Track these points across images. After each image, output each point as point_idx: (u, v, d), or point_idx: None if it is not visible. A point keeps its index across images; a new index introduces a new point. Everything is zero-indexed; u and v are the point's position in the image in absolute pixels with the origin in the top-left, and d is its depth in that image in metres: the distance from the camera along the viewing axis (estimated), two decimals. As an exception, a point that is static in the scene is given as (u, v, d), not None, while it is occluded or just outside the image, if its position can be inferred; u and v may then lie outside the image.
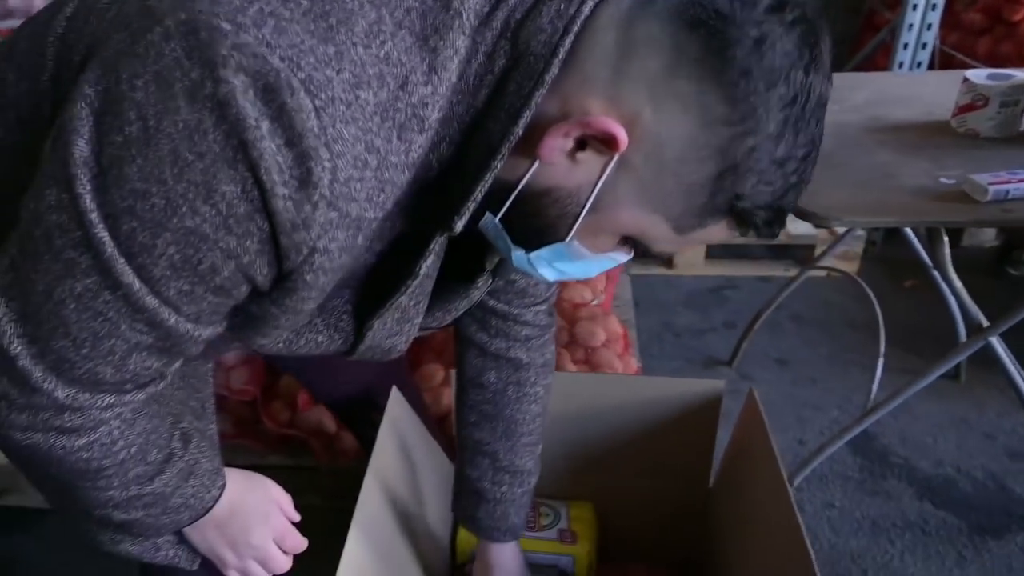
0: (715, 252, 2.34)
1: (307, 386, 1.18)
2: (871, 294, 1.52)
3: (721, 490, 1.12)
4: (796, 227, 2.25)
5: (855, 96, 1.47)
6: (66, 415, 0.55)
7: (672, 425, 1.10)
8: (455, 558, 1.12)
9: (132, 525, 0.67)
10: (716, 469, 1.13)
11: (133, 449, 0.61)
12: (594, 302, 1.75)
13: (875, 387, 1.41)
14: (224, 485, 0.71)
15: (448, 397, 1.42)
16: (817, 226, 1.13)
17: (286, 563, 0.76)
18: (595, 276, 1.82)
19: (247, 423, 1.48)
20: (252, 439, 1.48)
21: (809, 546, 0.76)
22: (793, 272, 2.15)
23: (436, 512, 1.09)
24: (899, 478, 1.55)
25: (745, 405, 1.03)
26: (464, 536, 1.11)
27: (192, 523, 0.70)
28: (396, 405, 1.03)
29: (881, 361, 1.44)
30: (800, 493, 1.51)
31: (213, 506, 0.70)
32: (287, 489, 1.31)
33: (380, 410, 0.99)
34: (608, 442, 1.13)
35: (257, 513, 0.74)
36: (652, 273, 2.34)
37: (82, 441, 0.57)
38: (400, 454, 1.01)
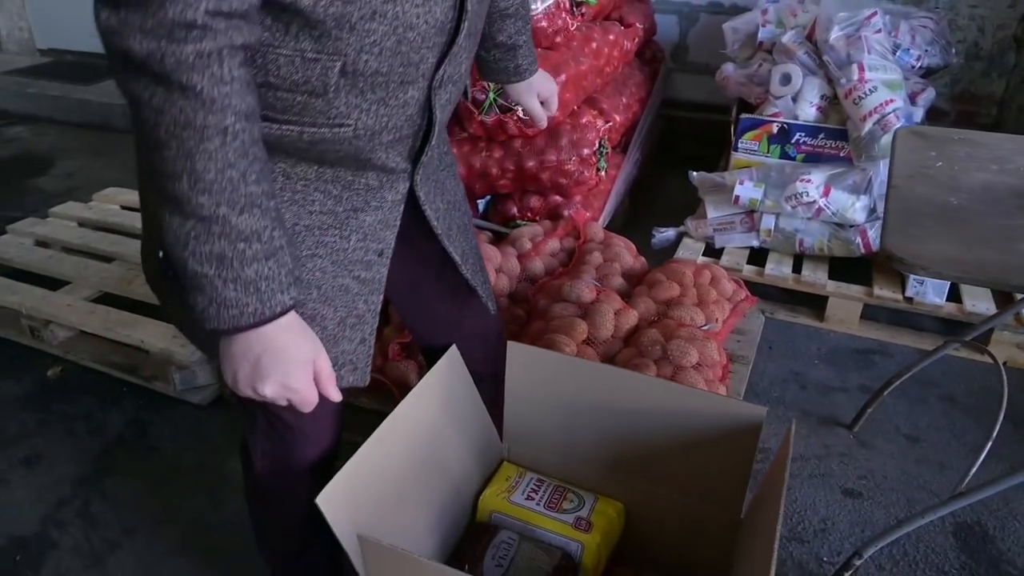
0: (873, 313, 2.17)
1: (411, 326, 1.21)
2: (1004, 375, 1.35)
3: (749, 523, 1.08)
4: (975, 303, 2.03)
5: (1019, 159, 1.33)
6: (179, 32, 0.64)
7: (710, 443, 1.08)
8: (475, 515, 1.19)
9: (201, 283, 0.71)
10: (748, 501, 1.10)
11: (234, 142, 0.68)
12: (704, 327, 1.73)
13: (973, 470, 1.26)
14: (293, 303, 0.75)
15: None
16: (899, 270, 1.06)
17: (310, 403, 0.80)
18: (713, 304, 1.79)
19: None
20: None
21: None
22: (961, 351, 1.93)
23: (463, 462, 1.16)
24: (1003, 591, 1.37)
25: (782, 443, 1.00)
26: (488, 496, 1.18)
27: (252, 323, 0.73)
28: (451, 357, 1.13)
29: (989, 444, 1.28)
30: (880, 573, 1.39)
31: (278, 314, 0.74)
32: (361, 430, 1.44)
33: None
34: (646, 446, 1.14)
35: (300, 360, 0.78)
36: (798, 322, 2.21)
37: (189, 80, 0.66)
38: (446, 395, 1.10)
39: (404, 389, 1.56)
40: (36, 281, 2.13)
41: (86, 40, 4.01)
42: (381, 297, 0.97)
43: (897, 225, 1.18)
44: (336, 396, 0.83)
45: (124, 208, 2.52)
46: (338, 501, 0.89)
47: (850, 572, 1.34)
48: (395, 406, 1.55)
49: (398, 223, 0.95)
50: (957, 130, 1.49)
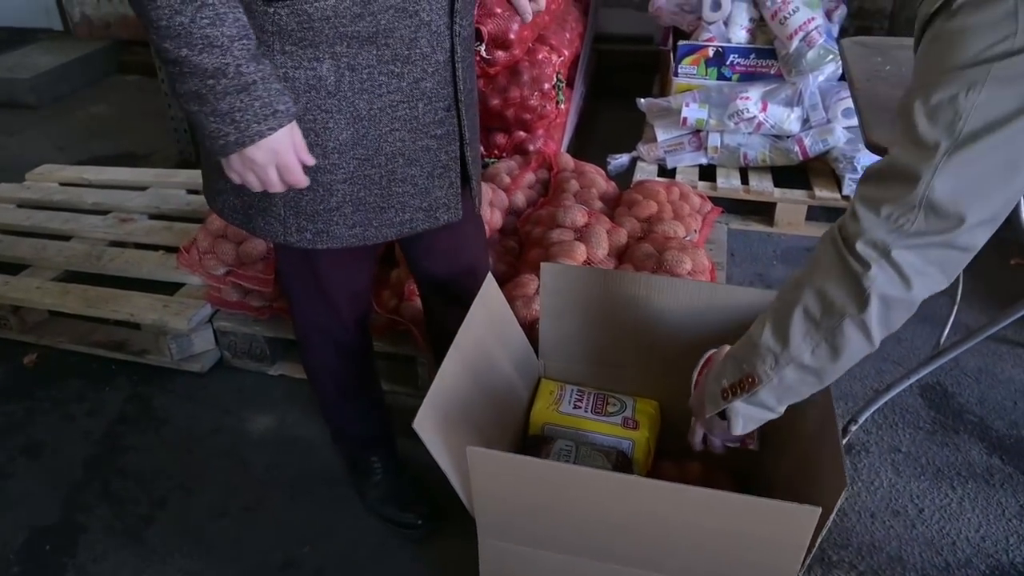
0: (816, 214, 2.32)
1: (409, 257, 1.28)
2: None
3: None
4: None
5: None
6: None
7: (735, 333, 1.16)
8: (528, 429, 1.24)
9: (194, 119, 0.84)
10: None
11: None
12: (686, 238, 1.81)
13: (945, 332, 1.41)
14: (272, 132, 0.85)
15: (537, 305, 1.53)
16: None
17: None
18: (688, 217, 1.88)
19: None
20: (365, 323, 1.66)
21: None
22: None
23: (513, 381, 1.21)
24: (971, 434, 1.54)
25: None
26: (538, 409, 1.23)
27: (235, 149, 0.85)
28: (491, 285, 1.15)
29: (954, 313, 1.43)
30: (868, 435, 1.54)
31: (256, 141, 0.85)
32: (389, 377, 1.46)
33: (463, 304, 1.12)
34: (677, 346, 1.21)
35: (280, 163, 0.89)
36: (751, 229, 2.35)
37: None
38: (491, 321, 1.13)
39: (421, 327, 1.57)
40: (-14, 269, 1.98)
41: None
42: (458, 144, 1.05)
43: (873, 121, 1.27)
44: (309, 160, 0.92)
45: (64, 185, 2.36)
46: (428, 425, 0.92)
47: (846, 438, 1.48)
48: (413, 344, 1.59)
49: (456, 77, 1.00)
50: (894, 38, 1.60)
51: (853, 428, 1.47)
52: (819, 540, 0.80)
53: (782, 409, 0.89)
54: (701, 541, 0.82)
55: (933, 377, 1.69)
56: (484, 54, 2.09)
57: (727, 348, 0.99)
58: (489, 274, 1.17)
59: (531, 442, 1.21)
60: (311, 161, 0.93)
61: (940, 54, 0.66)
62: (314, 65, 0.91)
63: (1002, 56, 0.62)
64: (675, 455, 1.27)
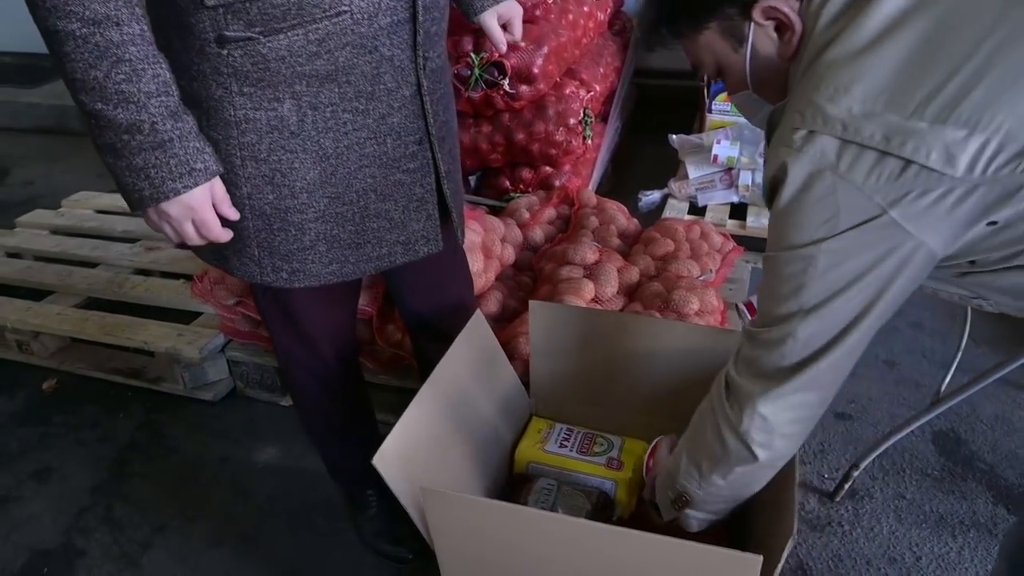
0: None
1: (394, 294, 1.35)
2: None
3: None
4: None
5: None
6: None
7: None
8: (512, 468, 1.31)
9: (110, 170, 0.88)
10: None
11: (86, 45, 0.81)
12: (700, 277, 1.86)
13: (948, 378, 1.43)
14: (188, 191, 0.90)
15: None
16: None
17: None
18: (706, 256, 1.94)
19: (364, 342, 1.75)
20: (368, 357, 1.75)
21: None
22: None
23: (496, 419, 1.27)
24: (979, 482, 1.55)
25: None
26: (523, 448, 1.29)
27: (149, 205, 0.90)
28: (478, 321, 1.23)
29: (958, 356, 1.46)
30: (873, 481, 1.56)
31: (171, 199, 0.89)
32: (394, 410, 1.55)
33: (449, 340, 1.18)
34: (665, 385, 1.26)
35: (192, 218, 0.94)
36: (777, 268, 2.38)
37: None
38: (474, 358, 1.20)
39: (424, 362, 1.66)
40: (14, 293, 2.15)
41: (24, 39, 3.92)
42: (433, 177, 1.09)
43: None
44: (232, 215, 0.98)
45: (99, 212, 2.54)
46: (391, 460, 0.99)
47: (849, 483, 1.51)
48: (417, 379, 1.67)
49: (426, 111, 1.04)
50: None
51: (855, 473, 1.50)
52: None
53: (727, 512, 1.01)
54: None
55: (947, 423, 1.70)
56: (508, 88, 2.19)
57: (672, 438, 1.13)
58: (477, 311, 1.25)
59: (515, 480, 1.28)
60: (234, 216, 0.98)
61: (783, 230, 0.78)
62: (274, 105, 0.94)
63: (828, 236, 0.74)
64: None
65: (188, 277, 2.11)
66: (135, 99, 0.84)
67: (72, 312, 2.05)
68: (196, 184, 0.91)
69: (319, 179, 1.00)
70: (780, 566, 0.83)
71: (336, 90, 0.96)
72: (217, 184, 0.96)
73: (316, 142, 0.98)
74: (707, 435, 0.92)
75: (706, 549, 0.80)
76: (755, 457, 0.87)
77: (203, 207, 0.94)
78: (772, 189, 0.78)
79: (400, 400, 1.77)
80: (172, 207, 0.92)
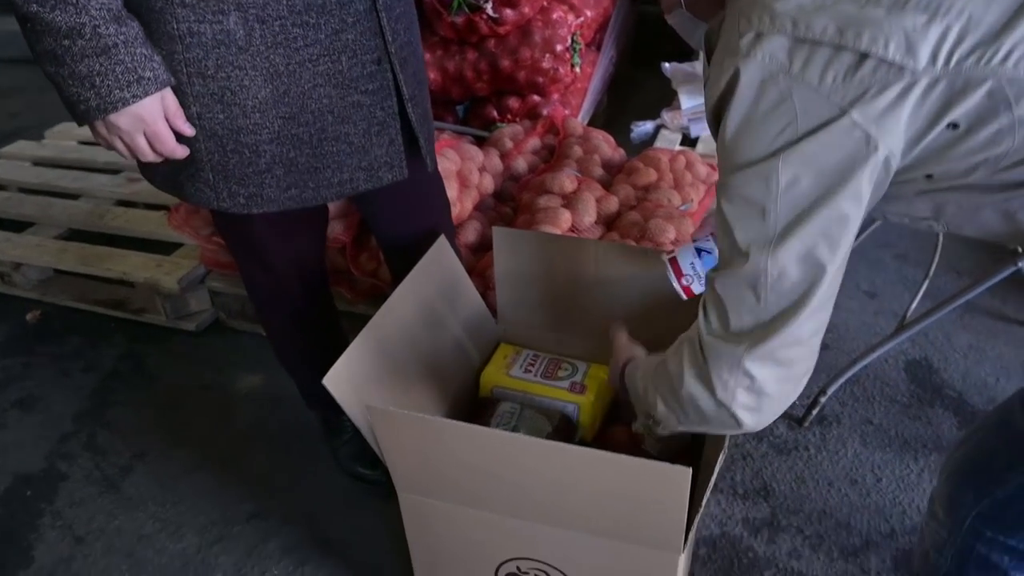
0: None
1: (367, 219, 1.35)
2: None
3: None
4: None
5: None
6: None
7: (690, 300, 1.23)
8: (478, 393, 1.34)
9: (54, 82, 0.87)
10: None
11: None
12: (681, 207, 1.87)
13: (912, 305, 1.45)
14: (137, 100, 0.89)
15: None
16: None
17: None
18: (689, 187, 1.94)
19: (340, 272, 1.78)
20: (345, 287, 1.78)
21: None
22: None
23: (462, 343, 1.30)
24: (946, 408, 1.58)
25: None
26: (488, 372, 1.32)
27: (97, 116, 0.89)
28: (442, 246, 1.25)
29: (924, 285, 1.47)
30: (842, 407, 1.59)
31: (120, 108, 0.88)
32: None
33: None
34: (630, 310, 1.28)
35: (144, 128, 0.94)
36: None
37: None
38: (437, 282, 1.22)
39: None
40: (-4, 225, 2.17)
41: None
42: (395, 100, 1.07)
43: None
44: (187, 130, 0.97)
45: (82, 143, 2.54)
46: (342, 379, 1.02)
47: (817, 409, 1.54)
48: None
49: (383, 26, 1.01)
50: None
51: (823, 399, 1.53)
52: (705, 499, 0.88)
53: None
54: (595, 500, 0.91)
55: (921, 352, 1.73)
56: (491, 12, 2.16)
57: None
58: (441, 236, 1.26)
59: (479, 404, 1.31)
60: (189, 131, 0.97)
61: (737, 149, 0.71)
62: (219, 18, 0.91)
63: (788, 144, 0.68)
64: (628, 421, 1.36)
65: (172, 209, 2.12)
66: (74, 1, 0.83)
67: (52, 243, 2.08)
68: (146, 93, 0.90)
69: (271, 98, 0.99)
70: (713, 478, 0.87)
71: (284, 2, 0.94)
72: (169, 95, 0.95)
73: (266, 58, 0.96)
74: (683, 398, 0.82)
75: (639, 463, 0.83)
76: (740, 424, 0.79)
77: (155, 118, 0.93)
78: (719, 108, 0.73)
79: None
80: (122, 119, 0.91)
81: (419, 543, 1.11)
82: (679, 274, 1.12)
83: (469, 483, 0.97)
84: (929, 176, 0.72)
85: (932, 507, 0.91)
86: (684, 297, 1.12)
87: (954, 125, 0.66)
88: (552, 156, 2.17)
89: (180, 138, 0.99)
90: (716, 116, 0.74)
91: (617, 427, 1.35)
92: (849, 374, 1.52)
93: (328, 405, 1.54)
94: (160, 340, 1.95)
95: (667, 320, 1.25)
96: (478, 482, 0.96)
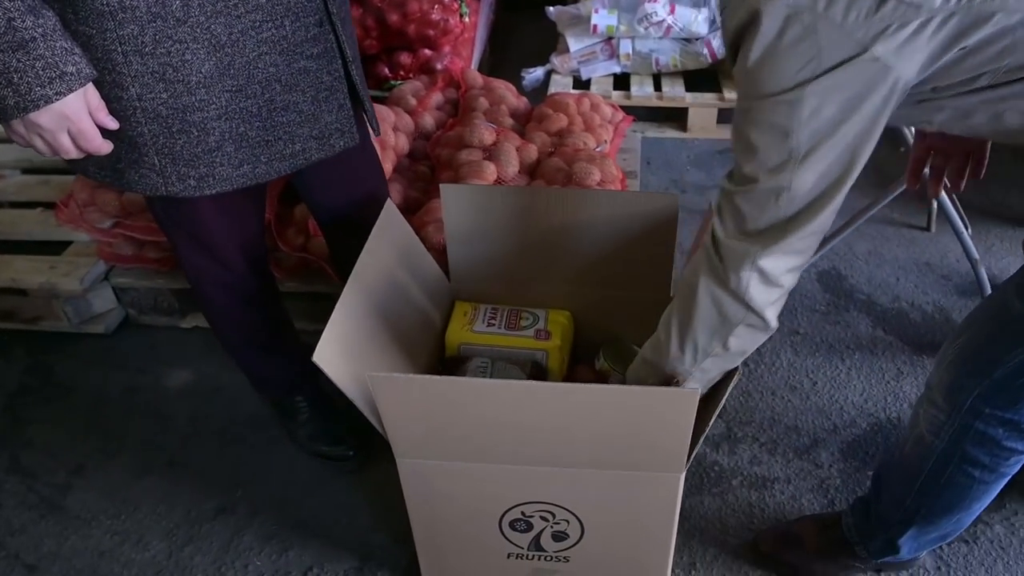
0: (726, 118, 2.48)
1: (304, 192, 1.32)
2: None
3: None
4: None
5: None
6: None
7: (636, 236, 1.29)
8: (444, 351, 1.36)
9: None
10: (676, 279, 1.34)
11: None
12: (597, 149, 1.93)
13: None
14: (60, 97, 0.84)
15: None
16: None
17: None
18: (599, 128, 2.00)
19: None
20: (272, 265, 1.72)
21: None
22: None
23: (423, 305, 1.31)
24: (860, 310, 1.77)
25: (705, 216, 1.22)
26: (452, 331, 1.34)
27: (16, 116, 0.84)
28: (391, 212, 1.24)
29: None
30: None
31: (42, 107, 0.84)
32: (307, 316, 1.55)
33: (366, 234, 1.17)
34: (584, 254, 1.33)
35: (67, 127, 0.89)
36: (666, 136, 2.50)
37: None
38: (394, 248, 1.22)
39: (332, 264, 1.65)
40: None
41: None
42: (340, 62, 1.05)
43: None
44: (111, 124, 0.94)
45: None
46: (331, 355, 1.01)
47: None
48: (327, 280, 1.67)
49: None
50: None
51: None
52: (712, 418, 0.96)
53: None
54: (600, 433, 0.96)
55: (829, 263, 1.91)
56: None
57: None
58: (388, 201, 1.25)
59: (448, 363, 1.33)
60: (112, 124, 0.92)
61: (760, 79, 0.75)
62: None
63: (812, 77, 0.72)
64: (589, 360, 1.42)
65: (47, 204, 1.95)
66: None
67: (-80, 256, 1.87)
68: (70, 90, 0.85)
69: (216, 71, 0.95)
70: (724, 399, 0.94)
71: None
72: (91, 90, 0.90)
73: (207, 29, 0.92)
74: (701, 308, 0.89)
75: (648, 391, 0.89)
76: (755, 313, 0.86)
77: (79, 116, 0.88)
78: (738, 39, 0.75)
79: (312, 306, 1.78)
80: (43, 117, 0.85)
81: (420, 509, 1.14)
82: None
83: (475, 438, 1.00)
84: (934, 89, 0.78)
85: (930, 395, 1.01)
86: None
87: (963, 48, 0.72)
88: (457, 110, 2.17)
89: (105, 132, 0.94)
90: (735, 45, 0.77)
91: (581, 368, 1.41)
92: None
93: (281, 389, 1.52)
94: (67, 348, 1.82)
95: (619, 262, 1.32)
96: (484, 435, 0.99)
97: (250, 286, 1.30)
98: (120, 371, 1.75)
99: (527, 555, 1.17)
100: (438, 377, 0.94)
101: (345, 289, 1.09)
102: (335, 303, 1.71)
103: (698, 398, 0.89)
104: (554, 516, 1.11)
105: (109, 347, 1.82)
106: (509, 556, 1.18)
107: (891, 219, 2.03)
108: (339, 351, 1.02)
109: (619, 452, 0.99)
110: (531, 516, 1.11)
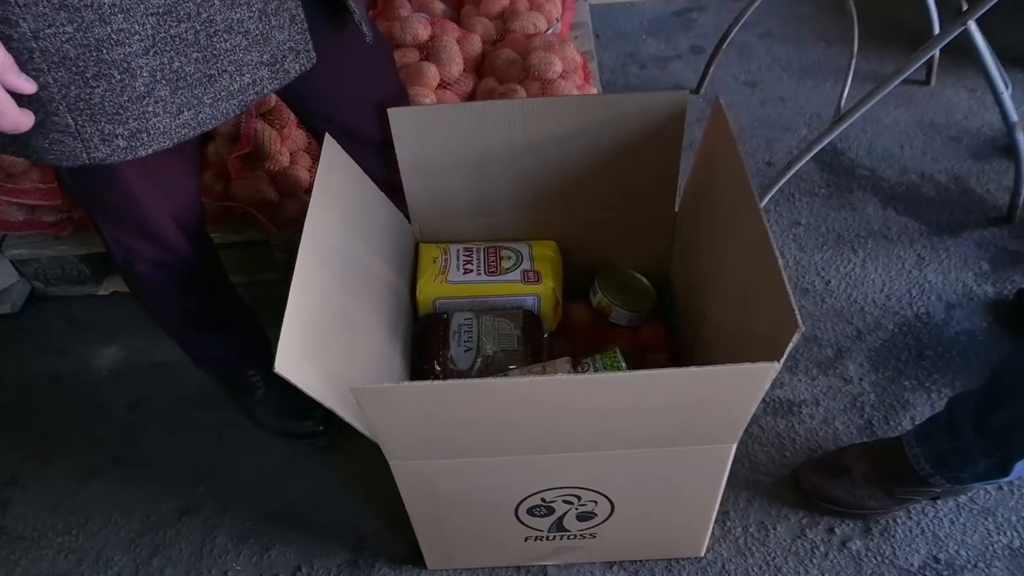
0: (678, -28, 2.19)
1: (306, 113, 1.06)
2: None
3: (687, 212, 1.12)
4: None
5: None
6: None
7: (635, 146, 1.07)
8: (417, 312, 1.14)
9: None
10: (682, 191, 1.12)
11: None
12: (549, 31, 1.64)
13: (845, 93, 1.37)
14: None
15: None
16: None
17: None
18: (547, 4, 1.70)
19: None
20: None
21: (777, 253, 0.77)
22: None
23: (385, 259, 1.08)
24: (865, 189, 1.58)
25: (712, 116, 0.99)
26: (424, 285, 1.12)
27: None
28: (331, 147, 0.98)
29: (853, 64, 1.38)
30: (767, 214, 1.55)
31: None
32: (242, 269, 1.30)
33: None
34: (568, 173, 1.11)
35: None
36: (613, 1, 2.19)
37: None
38: (343, 199, 0.97)
39: (261, 206, 1.39)
40: None
41: None
42: None
43: None
44: (26, 87, 0.70)
45: None
46: (296, 360, 0.79)
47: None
48: (259, 227, 1.41)
49: None
50: None
51: (761, 204, 1.47)
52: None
53: None
54: (649, 416, 0.78)
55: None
56: None
57: None
58: (327, 137, 0.99)
59: (424, 324, 1.12)
60: (29, 88, 0.68)
61: None
62: None
63: None
64: (583, 294, 1.22)
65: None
66: None
67: None
68: None
69: None
70: (782, 360, 0.76)
71: None
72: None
73: None
74: None
75: (720, 371, 0.71)
76: None
77: None
78: None
79: (243, 256, 1.51)
80: None
81: (419, 506, 0.96)
82: None
83: (486, 437, 0.81)
84: None
85: None
86: None
87: None
88: (376, 2, 1.82)
89: (19, 99, 0.68)
90: None
91: (575, 307, 1.21)
92: (787, 177, 1.44)
93: (230, 365, 1.30)
94: (-37, 336, 1.54)
95: (617, 177, 1.09)
96: (497, 432, 0.81)
97: (187, 259, 1.05)
98: (39, 356, 1.50)
99: (547, 536, 1.02)
100: (433, 384, 0.73)
101: (295, 279, 0.85)
102: (272, 249, 1.49)
103: (776, 371, 0.70)
104: (580, 499, 0.94)
105: (20, 328, 1.55)
106: (527, 539, 1.02)
107: (880, 75, 1.79)
108: (305, 351, 0.80)
109: (667, 430, 0.81)
110: (552, 502, 0.94)
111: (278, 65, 0.83)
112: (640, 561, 1.10)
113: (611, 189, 1.12)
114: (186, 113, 0.78)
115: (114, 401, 1.41)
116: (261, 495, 1.25)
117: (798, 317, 0.71)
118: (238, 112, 0.83)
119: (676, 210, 1.15)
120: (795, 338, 0.74)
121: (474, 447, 0.84)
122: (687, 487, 0.93)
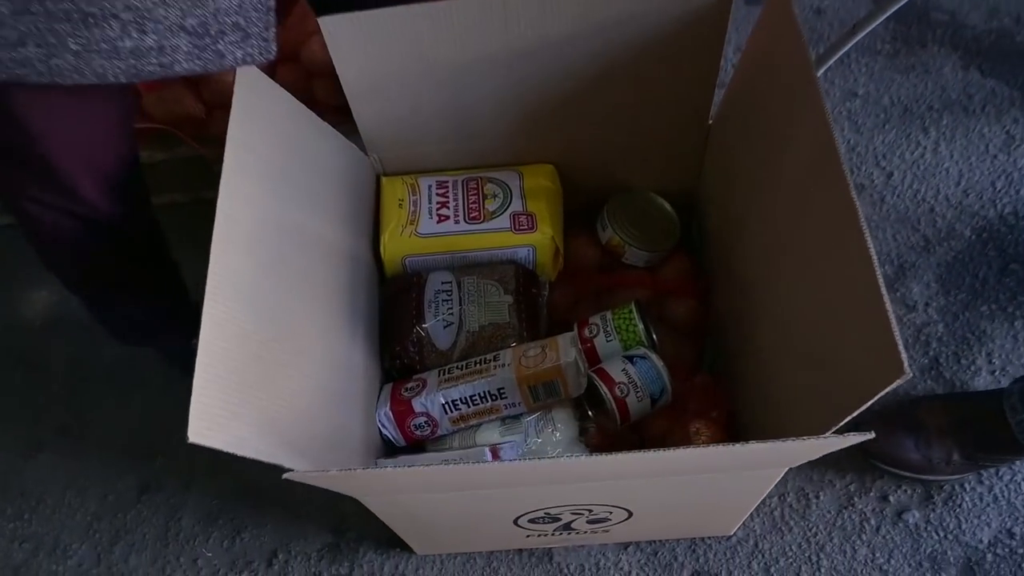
0: None
1: None
2: None
3: (726, 122, 0.85)
4: None
5: None
6: None
7: (655, 47, 0.77)
8: (384, 271, 0.90)
9: None
10: (718, 100, 0.84)
11: None
12: None
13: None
14: None
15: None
16: None
17: None
18: None
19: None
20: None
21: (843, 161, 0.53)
22: None
23: (336, 207, 0.83)
24: (941, 43, 1.24)
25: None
26: (390, 239, 0.87)
27: None
28: (250, 77, 0.70)
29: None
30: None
31: None
32: (178, 187, 1.01)
33: None
34: (572, 83, 0.82)
35: None
36: None
37: None
38: (268, 145, 0.71)
39: (185, 123, 1.11)
40: None
41: None
42: None
43: None
44: None
45: None
46: (211, 419, 0.58)
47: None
48: (187, 146, 1.14)
49: None
50: None
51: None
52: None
53: None
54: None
55: None
56: None
57: None
58: (239, 70, 0.70)
59: (394, 287, 0.88)
60: None
61: None
62: None
63: None
64: (590, 223, 0.97)
65: None
66: None
67: None
68: None
69: None
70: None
71: None
72: None
73: None
74: None
75: (780, 447, 0.50)
76: None
77: None
78: None
79: (181, 171, 1.24)
80: None
81: (398, 523, 0.79)
82: (610, 384, 0.78)
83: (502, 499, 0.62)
84: None
85: None
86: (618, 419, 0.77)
87: None
88: None
89: None
90: None
91: (579, 242, 0.96)
92: (844, 49, 1.10)
93: (166, 337, 1.07)
94: None
95: (635, 86, 0.81)
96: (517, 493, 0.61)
97: (112, 215, 0.79)
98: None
99: (552, 534, 0.85)
100: (422, 469, 0.53)
101: (207, 291, 0.61)
102: (210, 169, 1.22)
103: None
104: (591, 511, 0.77)
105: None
106: (529, 537, 0.86)
107: None
108: (223, 403, 0.59)
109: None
110: (559, 513, 0.77)
111: (211, 40, 0.60)
112: (660, 540, 0.95)
113: (628, 100, 0.84)
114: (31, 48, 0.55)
115: (52, 358, 1.21)
116: (225, 468, 1.09)
117: (903, 358, 0.49)
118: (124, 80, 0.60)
119: (709, 121, 0.87)
120: (895, 383, 0.52)
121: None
122: (726, 500, 0.75)
